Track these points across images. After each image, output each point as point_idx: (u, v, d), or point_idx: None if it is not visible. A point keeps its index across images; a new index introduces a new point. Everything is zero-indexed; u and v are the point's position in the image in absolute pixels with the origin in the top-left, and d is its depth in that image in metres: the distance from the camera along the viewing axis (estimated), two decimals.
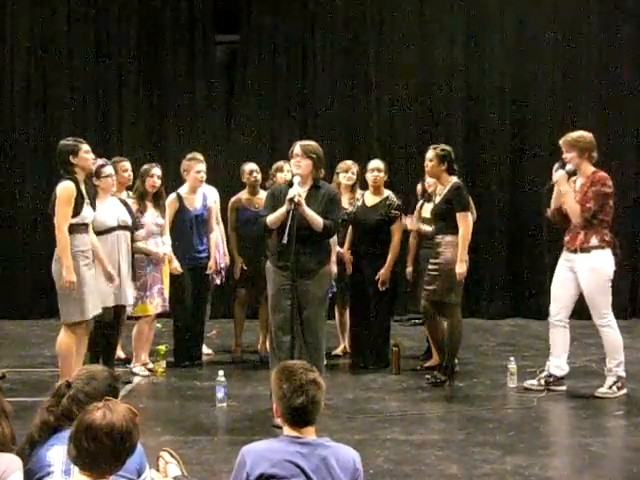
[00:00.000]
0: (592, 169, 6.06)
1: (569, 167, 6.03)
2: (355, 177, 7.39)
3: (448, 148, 6.60)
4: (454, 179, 6.51)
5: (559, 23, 9.96)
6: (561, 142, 6.12)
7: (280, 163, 7.42)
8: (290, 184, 5.66)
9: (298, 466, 2.85)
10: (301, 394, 2.91)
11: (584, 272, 6.02)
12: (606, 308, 6.06)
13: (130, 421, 2.60)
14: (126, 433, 2.58)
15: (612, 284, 6.01)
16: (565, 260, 6.17)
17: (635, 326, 9.23)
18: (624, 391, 6.09)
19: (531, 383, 6.27)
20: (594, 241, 5.98)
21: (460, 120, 10.03)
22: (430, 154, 6.55)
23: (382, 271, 7.04)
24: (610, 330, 6.06)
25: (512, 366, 6.37)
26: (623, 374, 6.11)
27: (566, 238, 6.16)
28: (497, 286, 9.95)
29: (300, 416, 2.94)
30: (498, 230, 9.77)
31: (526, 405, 5.90)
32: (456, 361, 6.61)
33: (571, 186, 6.08)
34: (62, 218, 5.75)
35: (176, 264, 7.03)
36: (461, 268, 6.34)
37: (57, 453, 2.85)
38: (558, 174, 6.05)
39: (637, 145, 9.99)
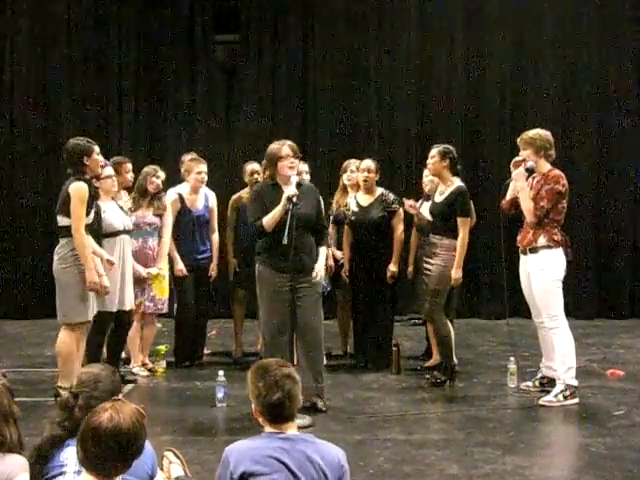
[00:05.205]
0: (548, 167, 6.04)
1: (529, 164, 6.02)
2: (355, 175, 7.36)
3: (451, 147, 6.62)
4: (458, 182, 6.49)
5: (559, 23, 9.97)
6: (518, 140, 6.13)
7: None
8: (273, 184, 5.71)
9: (281, 461, 2.85)
10: (277, 390, 2.93)
11: (533, 273, 5.97)
12: (557, 310, 5.93)
13: (137, 423, 2.58)
14: (133, 435, 2.56)
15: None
16: (522, 261, 6.15)
17: (635, 326, 9.25)
18: (575, 400, 5.83)
19: (527, 385, 6.27)
20: (542, 241, 5.92)
21: (460, 120, 10.03)
22: (433, 152, 6.58)
23: (391, 266, 7.04)
24: (561, 333, 5.90)
25: (512, 366, 6.37)
26: (574, 382, 5.87)
27: (518, 237, 6.15)
28: (497, 286, 9.94)
29: (279, 412, 2.94)
30: (497, 230, 9.73)
31: (526, 405, 5.91)
32: (456, 361, 6.60)
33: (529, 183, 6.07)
34: (78, 220, 5.70)
35: (181, 266, 7.08)
36: (457, 274, 6.35)
37: (71, 453, 2.80)
38: (517, 170, 6.04)
39: (637, 146, 9.97)
